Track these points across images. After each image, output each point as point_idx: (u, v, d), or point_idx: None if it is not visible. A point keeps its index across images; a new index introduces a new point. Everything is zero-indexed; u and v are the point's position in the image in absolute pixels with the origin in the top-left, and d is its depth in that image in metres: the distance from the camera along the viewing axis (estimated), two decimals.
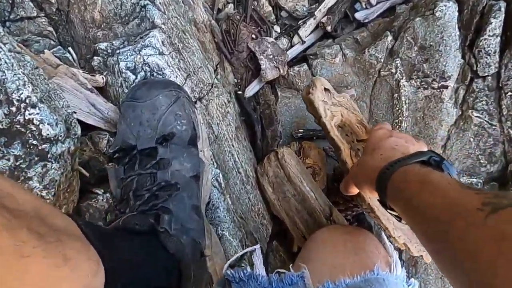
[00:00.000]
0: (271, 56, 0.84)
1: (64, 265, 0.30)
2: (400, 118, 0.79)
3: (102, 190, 0.66)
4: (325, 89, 0.80)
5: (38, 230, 0.29)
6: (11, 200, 0.29)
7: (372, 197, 0.65)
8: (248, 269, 0.57)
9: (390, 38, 0.79)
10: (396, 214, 0.55)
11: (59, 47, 0.69)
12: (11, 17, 0.68)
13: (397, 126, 0.80)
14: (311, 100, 0.77)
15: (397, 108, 0.79)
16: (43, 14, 0.70)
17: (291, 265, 0.62)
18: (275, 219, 0.84)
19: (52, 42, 0.69)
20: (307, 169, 0.82)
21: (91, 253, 0.36)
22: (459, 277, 0.36)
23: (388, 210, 0.58)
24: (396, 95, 0.79)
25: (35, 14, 0.69)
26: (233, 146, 0.77)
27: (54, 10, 0.71)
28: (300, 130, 0.83)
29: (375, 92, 0.82)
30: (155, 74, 0.65)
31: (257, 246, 0.62)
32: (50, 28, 0.70)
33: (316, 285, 0.56)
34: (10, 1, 0.67)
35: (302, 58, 0.90)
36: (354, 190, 0.64)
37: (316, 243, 0.67)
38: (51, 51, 0.68)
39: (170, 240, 0.54)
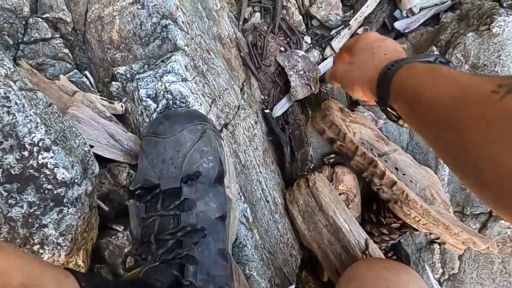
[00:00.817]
0: (302, 72, 0.78)
1: None
2: None
3: (123, 227, 0.62)
4: (340, 108, 0.74)
5: None
6: None
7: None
8: None
9: (436, 53, 0.71)
10: (396, 117, 0.50)
11: (76, 70, 0.64)
12: (24, 39, 0.63)
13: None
14: (332, 121, 0.72)
15: None
16: (58, 35, 0.65)
17: None
18: (304, 247, 0.78)
19: (68, 65, 0.64)
20: (340, 196, 0.76)
21: None
22: (470, 168, 0.34)
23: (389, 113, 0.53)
24: None
25: (49, 36, 0.64)
26: (260, 172, 0.72)
27: (70, 30, 0.66)
28: (332, 156, 0.77)
29: None
30: (177, 102, 0.60)
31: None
32: (66, 50, 0.65)
33: None
34: (24, 23, 0.63)
35: None
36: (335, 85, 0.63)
37: (353, 281, 0.61)
38: (67, 75, 0.63)
39: None
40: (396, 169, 0.75)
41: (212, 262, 0.54)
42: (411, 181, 0.75)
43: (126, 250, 0.61)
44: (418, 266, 0.80)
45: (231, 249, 0.61)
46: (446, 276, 0.78)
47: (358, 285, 0.59)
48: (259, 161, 0.72)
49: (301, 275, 0.78)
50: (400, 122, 0.52)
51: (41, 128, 0.47)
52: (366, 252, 0.71)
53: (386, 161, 0.76)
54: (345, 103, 0.79)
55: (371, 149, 0.76)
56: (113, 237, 0.62)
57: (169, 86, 0.59)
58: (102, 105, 0.62)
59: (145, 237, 0.53)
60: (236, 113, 0.70)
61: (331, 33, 0.85)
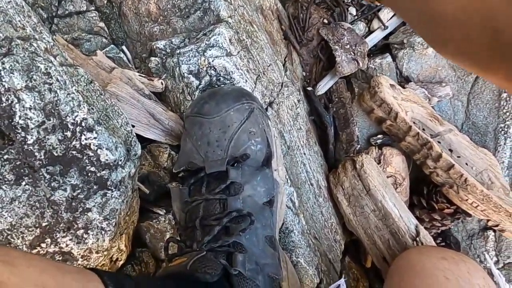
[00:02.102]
0: (348, 46, 0.72)
1: None
2: (508, 123, 0.65)
3: (164, 210, 0.60)
4: (391, 85, 0.69)
5: None
6: None
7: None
8: None
9: None
10: None
11: (112, 46, 0.61)
12: (59, 12, 0.60)
13: (503, 132, 0.67)
14: (382, 99, 0.66)
15: (504, 111, 0.66)
16: (93, 8, 0.61)
17: None
18: (346, 231, 0.75)
19: (104, 40, 0.61)
20: (388, 179, 0.71)
21: None
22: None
23: None
24: (505, 95, 0.65)
25: (84, 8, 0.60)
26: (304, 154, 0.68)
27: (105, 2, 0.62)
28: (379, 136, 0.72)
29: (476, 90, 0.68)
30: (221, 79, 0.56)
31: (342, 282, 0.53)
32: (101, 24, 0.61)
33: None
34: None
35: (383, 47, 0.76)
36: None
37: (408, 270, 0.57)
38: (104, 51, 0.60)
39: (245, 284, 0.46)
40: (451, 150, 0.70)
41: (261, 250, 0.51)
42: (466, 163, 0.69)
43: (167, 234, 0.59)
44: (469, 253, 0.75)
45: (278, 235, 0.58)
46: (501, 265, 0.73)
47: (413, 276, 0.56)
48: (303, 142, 0.68)
49: (344, 260, 0.75)
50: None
51: (84, 107, 0.44)
52: (417, 239, 0.67)
53: (439, 142, 0.70)
54: (395, 79, 0.73)
55: (423, 129, 0.70)
56: (154, 220, 0.59)
57: (212, 61, 0.55)
58: (141, 82, 0.58)
59: (189, 222, 0.50)
60: (280, 90, 0.65)
61: (379, 4, 0.78)
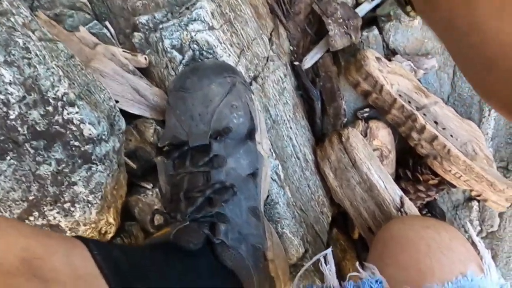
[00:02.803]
0: (341, 20, 0.71)
1: None
2: None
3: (152, 185, 0.61)
4: (377, 58, 0.69)
5: None
6: None
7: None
8: (318, 283, 0.50)
9: None
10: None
11: (95, 21, 0.60)
12: None
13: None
14: (368, 72, 0.67)
15: None
16: None
17: (357, 263, 0.55)
18: (334, 204, 0.76)
19: (87, 15, 0.61)
20: (374, 152, 0.72)
21: None
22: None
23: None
24: None
25: None
26: (291, 128, 0.68)
27: None
28: (366, 110, 0.72)
29: None
30: (204, 53, 0.56)
31: (328, 251, 0.55)
32: None
33: None
34: None
35: (370, 19, 0.76)
36: None
37: (391, 240, 0.58)
38: (87, 27, 0.60)
39: (227, 253, 0.48)
40: (436, 123, 0.71)
41: (244, 220, 0.52)
42: (451, 135, 0.70)
43: (155, 208, 0.60)
44: (454, 223, 0.77)
45: (262, 207, 0.59)
46: (484, 234, 0.75)
47: (395, 244, 0.57)
48: (289, 116, 0.69)
49: (331, 232, 0.77)
50: (408, 9, 0.44)
51: (64, 82, 0.45)
52: (401, 209, 0.69)
53: (425, 114, 0.71)
54: (382, 52, 0.73)
55: (409, 102, 0.71)
56: (142, 194, 0.61)
57: (195, 35, 0.55)
58: (125, 58, 0.58)
59: (174, 194, 0.52)
60: (265, 65, 0.65)
61: None
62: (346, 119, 0.74)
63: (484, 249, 0.56)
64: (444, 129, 0.71)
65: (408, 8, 0.42)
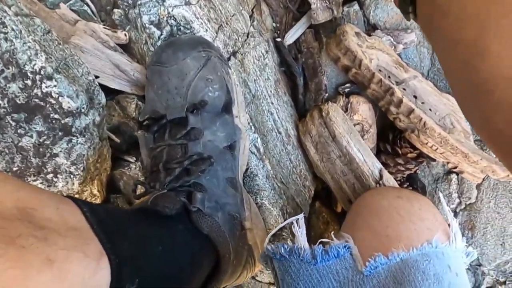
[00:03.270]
0: None
1: (46, 269, 0.27)
2: None
3: (135, 158, 0.63)
4: (356, 33, 0.69)
5: (9, 234, 0.26)
6: None
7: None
8: (289, 242, 0.52)
9: None
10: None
11: None
12: None
13: None
14: (347, 47, 0.68)
15: None
16: None
17: (332, 232, 0.57)
18: (317, 178, 0.78)
19: None
20: (354, 127, 0.74)
21: (89, 249, 0.32)
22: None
23: None
24: None
25: None
26: (272, 103, 0.70)
27: None
28: (347, 85, 0.73)
29: None
30: (182, 28, 0.57)
31: (301, 216, 0.57)
32: None
33: (366, 259, 0.51)
34: None
35: None
36: None
37: (365, 209, 0.61)
38: (68, 4, 0.61)
39: (203, 220, 0.50)
40: (415, 97, 0.72)
41: (221, 190, 0.54)
42: (430, 109, 0.71)
43: (137, 179, 0.63)
44: (434, 197, 0.79)
45: (241, 178, 0.61)
46: (463, 206, 0.77)
47: (368, 213, 0.59)
48: (271, 91, 0.70)
49: (314, 205, 0.79)
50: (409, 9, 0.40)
51: (41, 56, 0.46)
52: (380, 182, 0.71)
53: (404, 89, 0.72)
54: (363, 27, 0.74)
55: (389, 77, 0.72)
56: (126, 168, 0.63)
57: (172, 11, 0.56)
58: (106, 34, 0.60)
59: (154, 166, 0.54)
60: (245, 40, 0.66)
61: None
62: (327, 95, 0.75)
63: (452, 218, 0.58)
64: (423, 103, 0.72)
65: (409, 9, 0.37)
